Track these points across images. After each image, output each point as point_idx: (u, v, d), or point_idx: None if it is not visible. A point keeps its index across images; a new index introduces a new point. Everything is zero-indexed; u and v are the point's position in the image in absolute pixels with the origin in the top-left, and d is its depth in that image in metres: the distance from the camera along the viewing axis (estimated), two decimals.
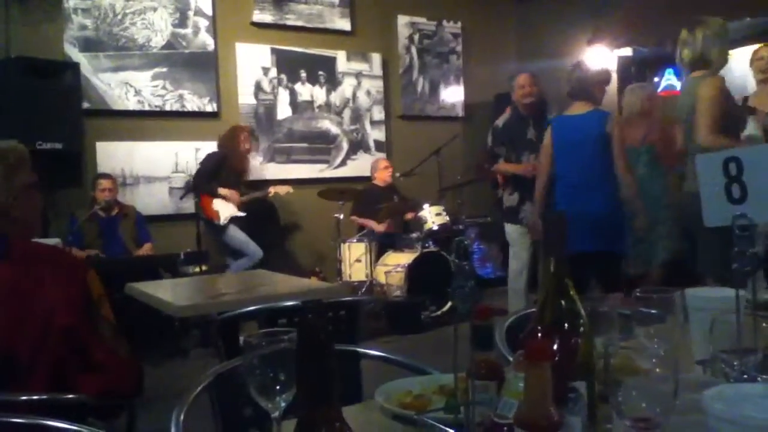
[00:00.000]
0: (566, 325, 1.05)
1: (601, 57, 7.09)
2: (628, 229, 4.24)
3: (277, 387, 1.03)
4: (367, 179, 6.91)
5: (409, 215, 6.58)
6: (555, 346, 0.99)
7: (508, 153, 4.77)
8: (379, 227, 6.36)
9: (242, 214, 5.89)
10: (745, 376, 1.13)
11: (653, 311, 1.40)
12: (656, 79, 7.35)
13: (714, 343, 1.23)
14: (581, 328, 1.06)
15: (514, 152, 4.75)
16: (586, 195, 3.95)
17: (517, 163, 4.73)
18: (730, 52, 8.14)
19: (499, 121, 4.87)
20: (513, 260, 4.82)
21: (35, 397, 1.57)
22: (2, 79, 5.32)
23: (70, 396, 1.62)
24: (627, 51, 7.19)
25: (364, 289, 6.02)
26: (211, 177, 5.80)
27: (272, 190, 6.15)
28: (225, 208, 5.81)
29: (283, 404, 1.04)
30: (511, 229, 4.78)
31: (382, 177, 6.78)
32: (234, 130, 6.08)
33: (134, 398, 1.77)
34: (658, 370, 1.00)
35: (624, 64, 7.17)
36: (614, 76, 7.13)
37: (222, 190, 5.79)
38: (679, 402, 0.96)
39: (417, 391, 1.38)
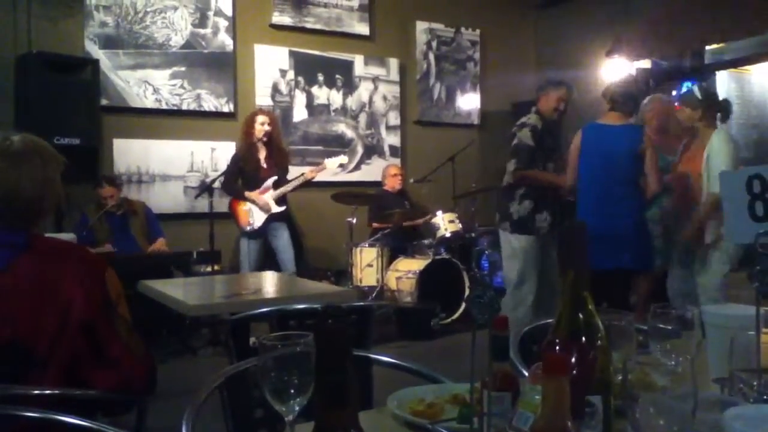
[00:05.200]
0: (584, 338, 1.05)
1: (620, 68, 7.07)
2: (651, 246, 4.21)
3: (292, 390, 1.02)
4: (380, 184, 6.92)
5: (420, 221, 6.58)
6: (573, 360, 0.98)
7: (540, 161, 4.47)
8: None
9: (280, 209, 5.63)
10: (765, 397, 1.11)
11: (669, 327, 1.39)
12: (674, 92, 7.32)
13: (732, 362, 1.21)
14: (599, 342, 1.05)
15: (545, 159, 4.47)
16: (612, 208, 3.90)
17: (546, 170, 4.48)
18: (750, 67, 8.09)
19: (534, 122, 4.49)
20: (522, 274, 4.46)
21: (47, 392, 1.57)
22: (23, 73, 5.37)
23: (83, 391, 1.62)
24: (646, 63, 7.15)
25: (374, 295, 6.01)
26: (231, 178, 5.63)
27: (308, 174, 5.78)
28: (258, 211, 5.60)
29: (296, 408, 1.03)
30: (525, 242, 4.45)
31: (391, 184, 6.79)
32: (248, 117, 5.77)
33: (147, 396, 1.78)
34: (675, 387, 0.99)
35: (642, 76, 7.13)
36: None
37: (250, 195, 5.58)
38: (696, 420, 0.95)
39: (430, 399, 1.37)
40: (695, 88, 4.09)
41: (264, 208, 5.59)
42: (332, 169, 6.04)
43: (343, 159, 6.13)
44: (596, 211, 3.94)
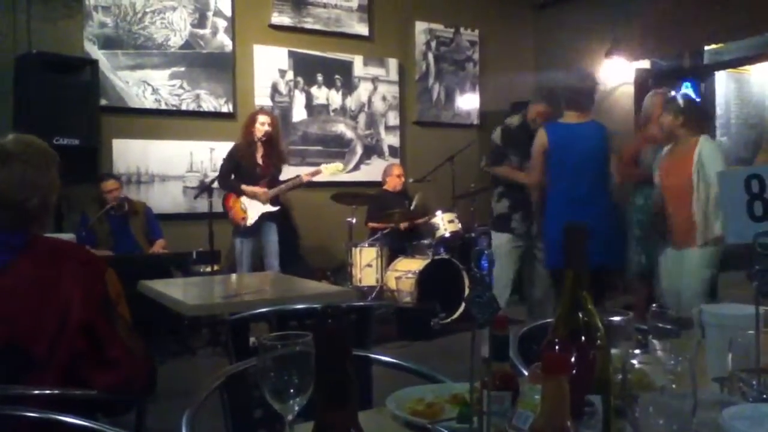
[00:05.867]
0: (583, 338, 1.05)
1: (619, 69, 7.08)
2: (623, 242, 4.27)
3: (291, 390, 1.02)
4: (380, 184, 6.91)
5: (420, 221, 6.58)
6: (572, 360, 0.98)
7: (517, 159, 4.50)
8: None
9: (274, 208, 5.59)
10: (765, 396, 1.12)
11: (669, 326, 1.39)
12: (673, 93, 7.33)
13: (732, 361, 1.21)
14: (598, 342, 1.05)
15: (521, 160, 4.48)
16: (584, 207, 3.92)
17: (520, 170, 4.50)
18: (749, 67, 8.10)
19: (513, 122, 4.59)
20: (498, 271, 4.41)
21: (47, 392, 1.57)
22: (22, 73, 5.36)
23: (83, 392, 1.62)
24: (645, 63, 7.16)
25: (374, 295, 6.01)
26: (226, 173, 5.60)
27: (303, 177, 5.75)
28: (253, 208, 5.57)
29: (296, 408, 1.03)
30: (501, 239, 4.50)
31: (394, 184, 6.77)
32: (249, 116, 5.74)
33: (147, 396, 1.78)
34: (674, 386, 0.99)
35: (642, 76, 7.14)
36: (631, 88, 7.14)
37: (246, 188, 5.54)
38: (696, 420, 0.95)
39: (429, 399, 1.37)
40: (678, 96, 4.14)
41: (262, 199, 5.54)
42: (328, 174, 6.00)
43: (338, 166, 6.10)
44: (566, 210, 3.95)
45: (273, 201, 5.62)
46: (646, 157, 4.36)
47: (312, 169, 5.93)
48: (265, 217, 5.59)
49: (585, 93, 4.12)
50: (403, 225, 6.38)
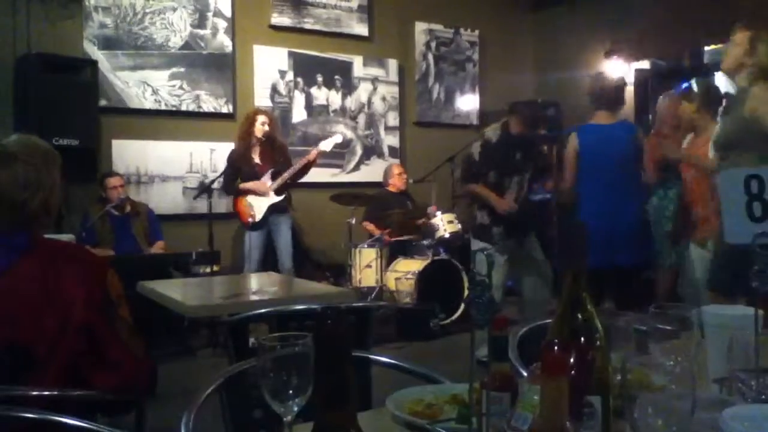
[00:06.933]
0: (583, 339, 1.05)
1: (618, 69, 7.07)
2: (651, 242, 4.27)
3: (290, 391, 1.02)
4: (380, 185, 6.91)
5: (420, 222, 6.57)
6: (571, 360, 0.98)
7: (495, 175, 4.52)
8: (387, 237, 6.27)
9: (279, 198, 5.63)
10: (763, 397, 1.12)
11: (669, 327, 1.39)
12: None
13: (731, 362, 1.21)
14: (597, 343, 1.05)
15: (500, 174, 4.52)
16: (617, 207, 3.91)
17: (501, 185, 4.53)
18: None
19: (492, 135, 4.56)
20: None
21: (46, 393, 1.57)
22: (22, 74, 5.37)
23: (83, 392, 1.62)
24: (644, 63, 7.16)
25: (373, 295, 6.00)
26: (229, 179, 5.67)
27: (304, 159, 5.76)
28: (259, 203, 5.61)
29: (295, 408, 1.03)
30: (480, 246, 4.51)
31: (396, 183, 6.77)
32: (247, 117, 5.77)
33: (147, 397, 1.78)
34: (674, 386, 0.99)
35: (641, 77, 7.14)
36: (631, 89, 7.13)
37: (246, 185, 5.61)
38: (695, 420, 0.95)
39: (429, 399, 1.37)
40: (694, 83, 4.09)
41: (261, 191, 5.59)
42: (328, 149, 5.97)
43: (337, 138, 6.11)
44: (600, 210, 3.94)
45: (278, 191, 5.64)
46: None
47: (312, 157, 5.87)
48: (273, 210, 5.63)
49: (614, 92, 4.10)
50: (401, 231, 6.37)
